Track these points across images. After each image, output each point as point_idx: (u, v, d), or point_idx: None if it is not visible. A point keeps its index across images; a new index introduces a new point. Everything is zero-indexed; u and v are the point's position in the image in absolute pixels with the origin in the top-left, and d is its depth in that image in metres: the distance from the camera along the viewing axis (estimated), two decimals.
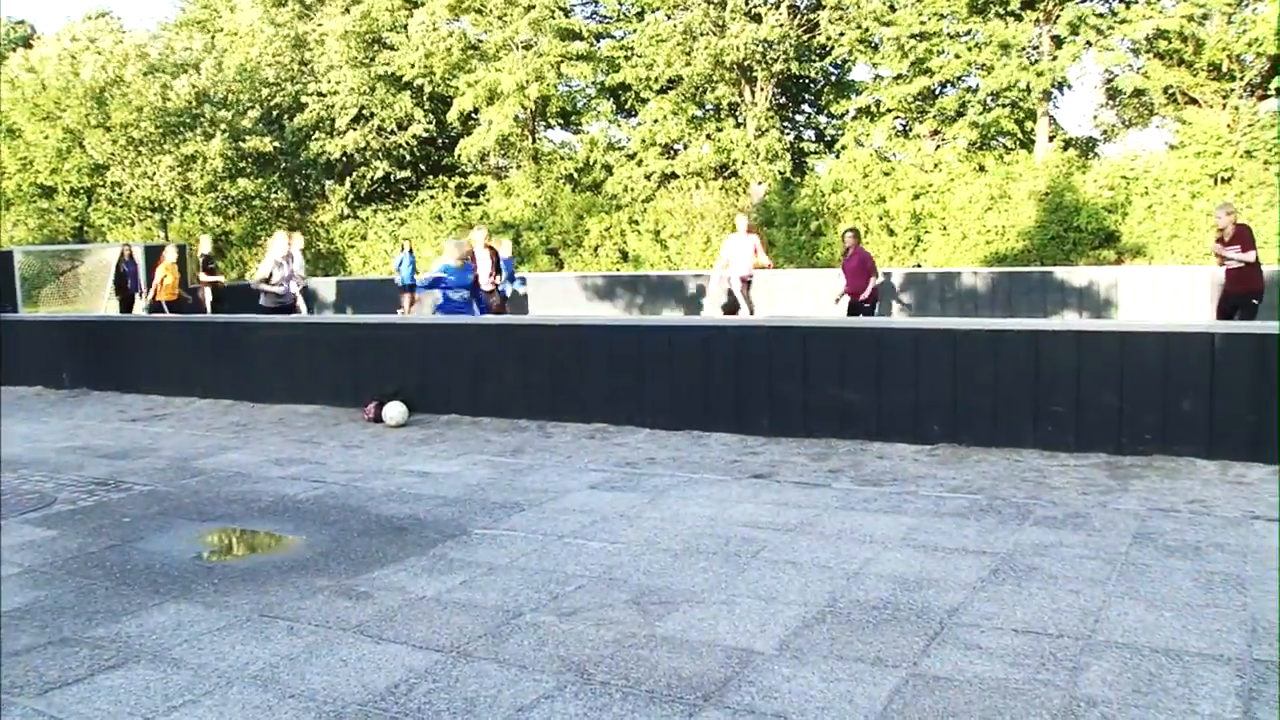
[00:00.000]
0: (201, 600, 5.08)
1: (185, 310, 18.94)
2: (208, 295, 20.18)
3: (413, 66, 31.20)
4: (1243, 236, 12.14)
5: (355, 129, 32.37)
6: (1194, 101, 25.67)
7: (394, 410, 10.24)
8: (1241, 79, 24.95)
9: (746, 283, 16.96)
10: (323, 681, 4.08)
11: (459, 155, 32.51)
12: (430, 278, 11.88)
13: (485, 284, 15.67)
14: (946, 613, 4.65)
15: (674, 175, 31.09)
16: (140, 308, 20.62)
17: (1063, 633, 4.38)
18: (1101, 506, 6.45)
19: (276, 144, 31.93)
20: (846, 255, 14.93)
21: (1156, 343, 7.80)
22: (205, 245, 21.28)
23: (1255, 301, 12.20)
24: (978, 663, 4.10)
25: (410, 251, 22.74)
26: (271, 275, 13.88)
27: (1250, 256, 12.09)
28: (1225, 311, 12.37)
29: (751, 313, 16.61)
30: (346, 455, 8.82)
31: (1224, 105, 24.99)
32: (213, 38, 35.05)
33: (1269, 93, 25.10)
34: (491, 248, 16.32)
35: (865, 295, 14.59)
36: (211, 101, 30.89)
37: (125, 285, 21.75)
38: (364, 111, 32.36)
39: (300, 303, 15.71)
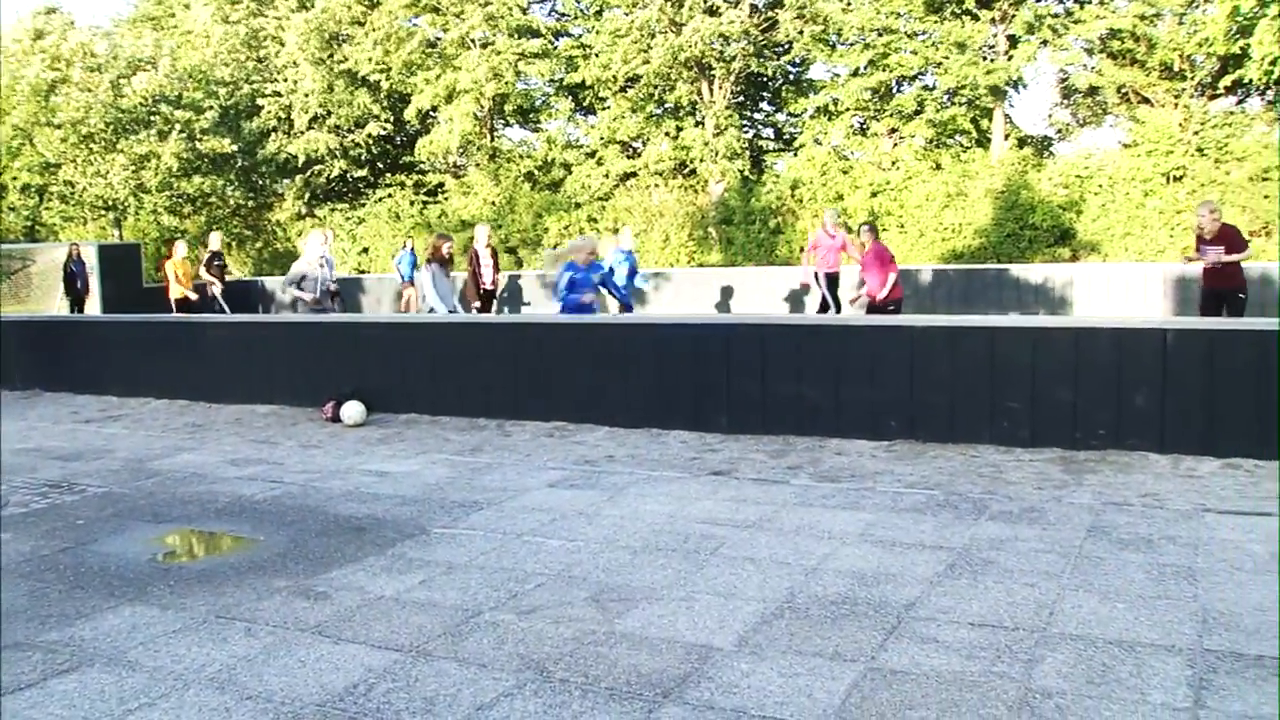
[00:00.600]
0: (157, 602, 5.04)
1: (192, 310, 18.55)
2: (217, 292, 19.78)
3: (370, 63, 31.03)
4: (1228, 236, 12.21)
5: (314, 128, 32.15)
6: (1146, 101, 26.00)
7: (352, 409, 10.18)
8: (1192, 79, 25.29)
9: (832, 278, 16.69)
10: (280, 682, 4.05)
11: (417, 153, 32.38)
12: (563, 283, 11.29)
13: (488, 284, 15.55)
14: (904, 607, 4.68)
15: (633, 173, 31.11)
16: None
17: (1018, 625, 4.43)
18: (1056, 501, 6.53)
19: (234, 145, 31.66)
20: (864, 252, 14.20)
21: (1110, 339, 7.90)
22: (214, 242, 20.79)
23: (1241, 296, 12.29)
24: (934, 656, 4.14)
25: (411, 249, 22.35)
26: (305, 278, 12.66)
27: (1234, 256, 12.14)
28: (1210, 308, 12.43)
29: (838, 310, 16.30)
30: (304, 455, 8.77)
31: (1176, 104, 25.32)
32: (168, 35, 34.68)
33: (1219, 92, 25.46)
34: (493, 247, 16.09)
35: (884, 295, 13.74)
36: (168, 101, 30.56)
37: (75, 285, 21.43)
38: (322, 110, 32.15)
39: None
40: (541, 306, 22.76)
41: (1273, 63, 22.49)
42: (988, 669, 4.00)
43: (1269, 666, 3.95)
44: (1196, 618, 4.46)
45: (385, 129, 33.27)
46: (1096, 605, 4.64)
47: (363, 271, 30.18)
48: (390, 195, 32.53)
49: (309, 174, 33.04)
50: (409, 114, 31.81)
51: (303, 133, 32.09)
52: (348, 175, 33.76)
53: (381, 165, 34.51)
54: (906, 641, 4.29)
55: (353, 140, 32.62)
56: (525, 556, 5.63)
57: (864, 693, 3.83)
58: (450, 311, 12.81)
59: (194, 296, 19.29)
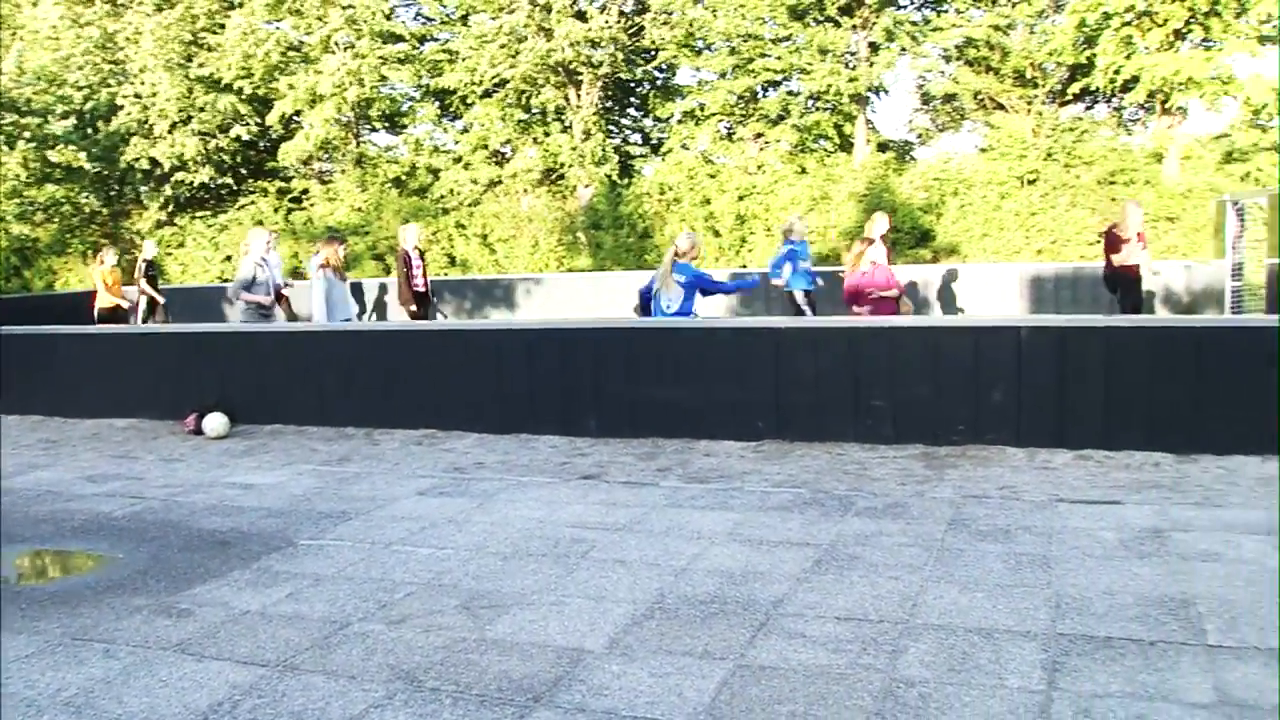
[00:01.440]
0: (8, 626, 4.85)
1: (120, 320, 17.61)
2: (142, 304, 18.70)
3: (230, 69, 30.28)
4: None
5: (174, 133, 31.21)
6: (1001, 107, 26.82)
7: (215, 421, 9.94)
8: (1044, 86, 26.19)
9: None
10: (141, 704, 3.94)
11: (281, 159, 31.70)
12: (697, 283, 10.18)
13: (420, 285, 15.15)
14: (772, 604, 4.76)
15: (501, 179, 30.95)
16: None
17: (883, 618, 4.54)
18: (919, 496, 6.70)
19: (87, 150, 30.51)
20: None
21: (967, 337, 8.15)
22: (149, 250, 19.78)
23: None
24: (802, 651, 4.21)
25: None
26: (255, 279, 11.94)
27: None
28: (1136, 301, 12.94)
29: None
30: (166, 469, 8.54)
31: (1029, 110, 26.17)
32: (13, 34, 33.25)
33: (1068, 99, 26.41)
34: (421, 248, 15.55)
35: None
36: (14, 108, 29.31)
37: None
38: (182, 115, 31.23)
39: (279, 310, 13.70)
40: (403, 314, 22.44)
41: (1116, 71, 23.41)
42: (854, 661, 4.09)
43: (1117, 647, 4.12)
44: (1050, 604, 4.63)
45: (249, 134, 32.48)
46: (957, 595, 4.78)
47: (226, 280, 29.43)
48: (254, 202, 31.76)
49: (171, 181, 32.08)
50: (272, 119, 31.08)
51: (162, 138, 31.14)
52: (211, 182, 32.87)
53: (245, 171, 33.67)
54: (775, 638, 4.37)
55: (215, 145, 31.75)
56: (394, 566, 5.58)
57: (734, 689, 3.88)
58: (344, 321, 12.31)
59: (125, 305, 18.25)
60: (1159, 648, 4.12)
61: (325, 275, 12.74)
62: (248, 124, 31.87)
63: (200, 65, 31.00)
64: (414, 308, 15.07)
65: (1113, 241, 12.80)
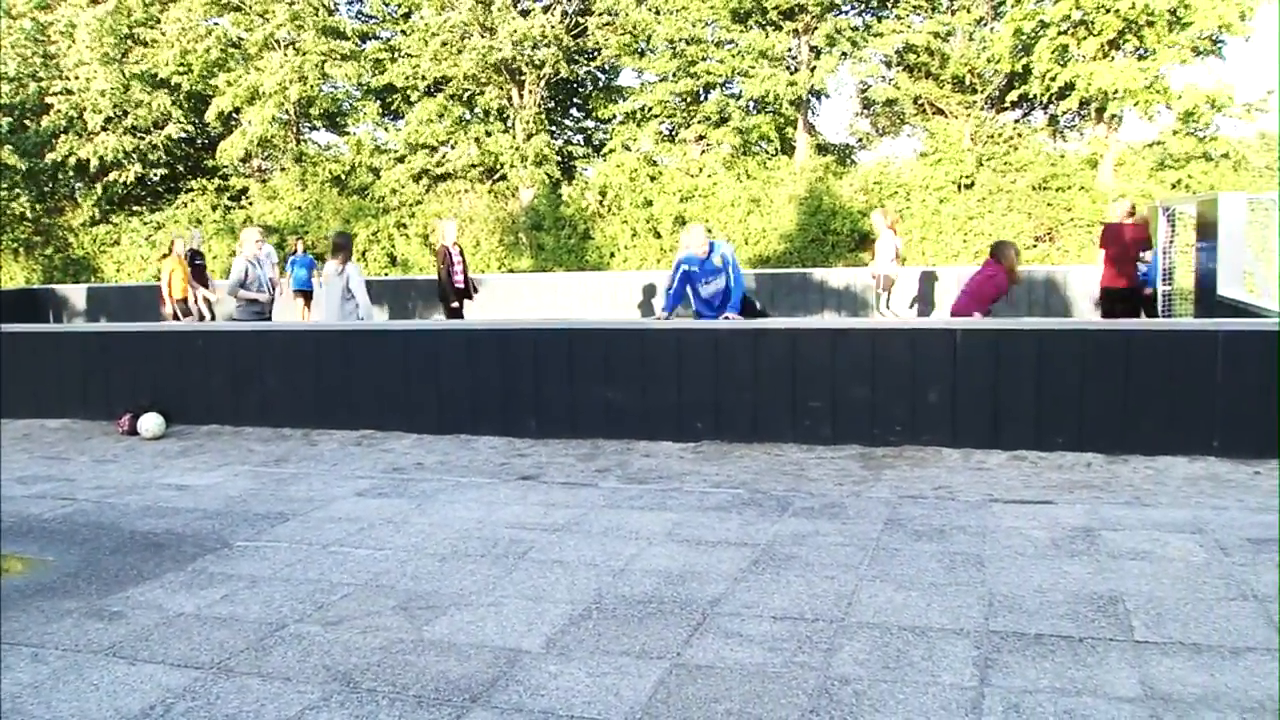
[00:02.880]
0: None
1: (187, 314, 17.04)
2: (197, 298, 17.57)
3: (168, 65, 29.82)
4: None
5: (108, 130, 30.66)
6: (940, 112, 27.14)
7: (150, 422, 9.80)
8: (982, 92, 26.54)
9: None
10: (71, 708, 3.89)
11: (219, 157, 31.28)
12: (676, 280, 9.99)
13: (460, 281, 14.90)
14: (709, 604, 4.79)
15: (443, 178, 30.79)
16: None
17: (818, 617, 4.58)
18: (855, 496, 6.77)
19: (20, 155, 29.88)
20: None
21: (904, 339, 8.24)
22: (195, 239, 18.83)
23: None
24: (738, 650, 4.24)
25: (306, 253, 20.84)
26: (246, 277, 11.77)
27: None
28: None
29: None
30: (98, 470, 8.40)
31: (967, 116, 26.51)
32: None
33: (1006, 106, 26.78)
34: (460, 245, 15.18)
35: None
36: None
37: None
38: (117, 111, 30.69)
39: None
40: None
41: (1052, 79, 23.78)
42: (790, 659, 4.13)
43: (1047, 644, 4.19)
44: (984, 601, 4.70)
45: (186, 131, 32.00)
46: (892, 594, 4.84)
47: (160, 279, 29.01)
48: (192, 200, 31.33)
49: (105, 179, 31.52)
50: (210, 116, 30.66)
51: (95, 134, 30.59)
52: (146, 179, 32.33)
53: (183, 169, 33.17)
54: (711, 637, 4.39)
55: (150, 143, 31.23)
56: (332, 567, 5.54)
57: (670, 689, 3.90)
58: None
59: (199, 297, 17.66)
60: (1088, 644, 4.19)
61: (357, 268, 12.37)
62: (183, 122, 31.39)
63: (137, 61, 30.49)
64: (455, 304, 14.85)
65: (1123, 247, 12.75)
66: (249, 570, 5.53)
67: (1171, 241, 14.81)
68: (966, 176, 24.59)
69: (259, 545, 6.02)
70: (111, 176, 31.31)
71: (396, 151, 31.59)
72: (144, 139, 31.13)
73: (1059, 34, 23.33)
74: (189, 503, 7.13)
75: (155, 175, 32.36)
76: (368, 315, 11.53)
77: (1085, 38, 23.12)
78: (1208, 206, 12.82)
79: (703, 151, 29.04)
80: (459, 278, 14.90)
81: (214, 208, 30.89)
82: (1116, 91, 22.96)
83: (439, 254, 15.03)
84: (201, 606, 4.96)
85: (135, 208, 32.12)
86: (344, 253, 11.54)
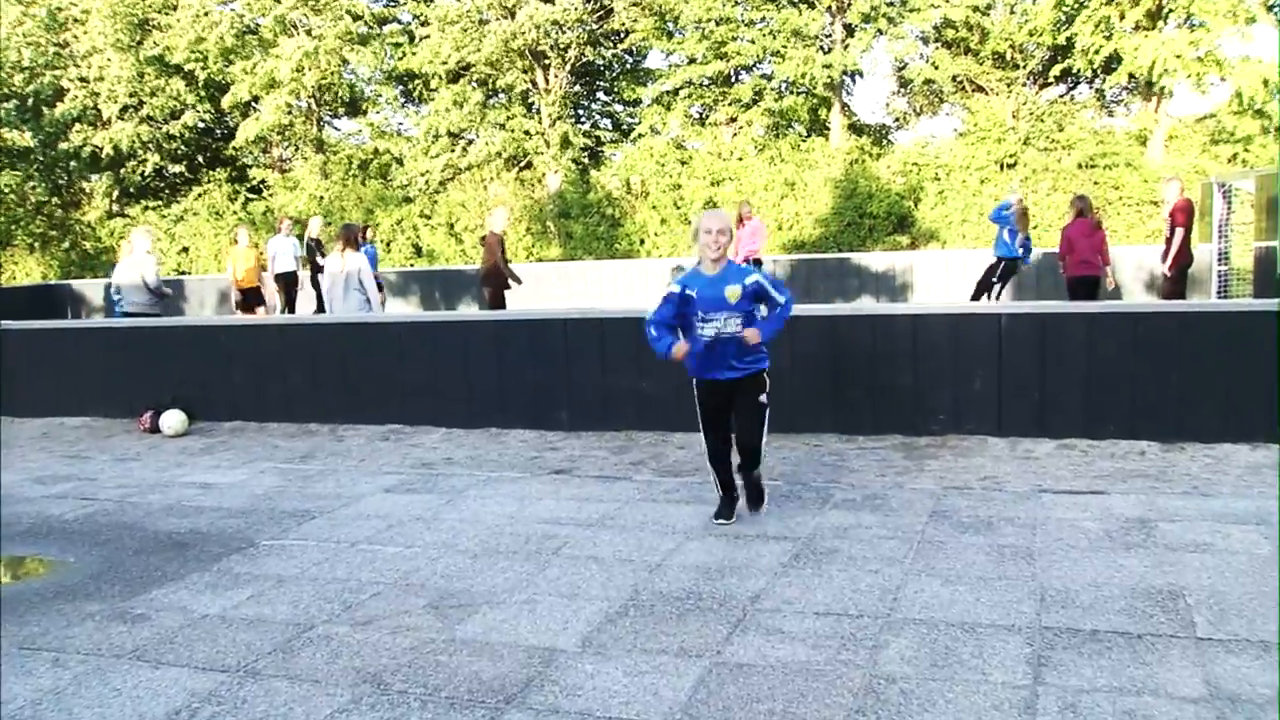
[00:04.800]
0: None
1: (257, 302, 17.30)
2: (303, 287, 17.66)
3: (184, 50, 29.92)
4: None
5: (124, 119, 30.82)
6: (980, 89, 26.93)
7: (172, 419, 9.86)
8: (1024, 68, 26.31)
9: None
10: (93, 714, 3.89)
11: (237, 146, 31.42)
12: (661, 307, 6.00)
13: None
14: (749, 600, 4.75)
15: (467, 166, 30.83)
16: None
17: (862, 613, 4.54)
18: (898, 487, 6.72)
19: (33, 136, 30.08)
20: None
21: (946, 325, 8.17)
22: (314, 227, 18.56)
23: (1165, 275, 12.81)
24: (780, 647, 4.21)
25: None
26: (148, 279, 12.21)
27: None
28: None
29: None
30: (120, 469, 8.45)
31: (1009, 94, 26.30)
32: None
33: (1049, 81, 26.54)
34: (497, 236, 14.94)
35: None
36: None
37: None
38: (133, 100, 30.83)
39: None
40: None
41: (1096, 52, 23.54)
42: (833, 657, 4.09)
43: (1104, 641, 4.13)
44: (1035, 596, 4.65)
45: (204, 120, 32.15)
46: (939, 589, 4.79)
47: (184, 273, 29.21)
48: (209, 191, 31.48)
49: (120, 169, 31.70)
50: (227, 104, 30.78)
51: (111, 123, 30.76)
52: (163, 170, 32.49)
53: (201, 160, 33.33)
54: (752, 634, 4.36)
55: (167, 132, 31.36)
56: (360, 566, 5.54)
57: (710, 688, 3.87)
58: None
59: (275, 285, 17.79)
60: (1147, 641, 4.13)
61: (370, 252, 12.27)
62: (200, 111, 31.48)
63: (152, 46, 30.55)
64: (508, 290, 14.67)
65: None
66: (275, 570, 5.54)
67: (1227, 219, 14.61)
68: (1009, 156, 24.40)
69: (285, 544, 6.03)
70: (129, 167, 31.47)
71: (419, 139, 31.64)
72: (161, 129, 31.27)
73: (1102, 3, 23.08)
74: (213, 501, 7.16)
75: (173, 167, 32.46)
76: (376, 307, 11.56)
77: (1128, 8, 22.86)
78: (1268, 181, 12.64)
79: (734, 135, 28.95)
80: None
81: (233, 199, 31.00)
82: (1165, 64, 22.67)
83: (489, 242, 14.83)
84: (227, 608, 4.97)
85: (152, 201, 32.28)
86: (348, 243, 11.57)
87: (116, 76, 30.07)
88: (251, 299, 17.54)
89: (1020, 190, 16.82)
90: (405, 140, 32.31)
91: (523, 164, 30.86)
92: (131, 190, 32.34)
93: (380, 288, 13.39)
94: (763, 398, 5.87)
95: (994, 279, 14.07)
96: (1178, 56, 22.52)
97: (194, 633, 4.66)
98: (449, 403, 9.55)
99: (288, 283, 18.32)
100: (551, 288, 21.25)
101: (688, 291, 5.72)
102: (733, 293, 5.65)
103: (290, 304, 18.29)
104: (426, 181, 30.42)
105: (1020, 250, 13.76)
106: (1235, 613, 4.39)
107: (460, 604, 4.88)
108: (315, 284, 17.29)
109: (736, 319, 5.66)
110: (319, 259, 17.23)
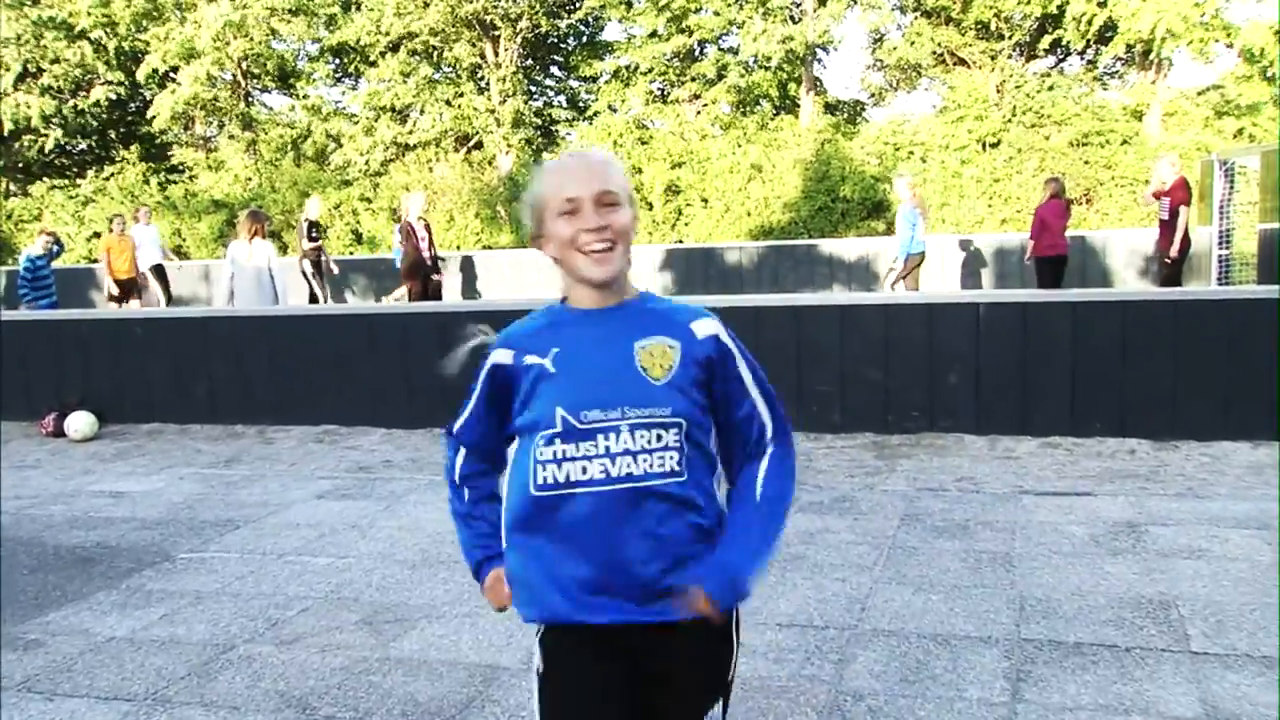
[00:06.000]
0: None
1: (127, 298, 17.33)
2: (308, 269, 16.89)
3: (90, 15, 29.32)
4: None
5: (21, 89, 30.18)
6: (962, 62, 27.06)
7: (79, 421, 9.74)
8: (1010, 39, 26.42)
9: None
10: None
11: (154, 122, 31.01)
12: (466, 432, 2.69)
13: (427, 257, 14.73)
14: None
15: (410, 146, 30.69)
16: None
17: (829, 624, 4.54)
18: (869, 489, 6.74)
19: None
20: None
21: (920, 315, 8.20)
22: (311, 209, 17.87)
23: (1165, 260, 12.98)
24: (741, 662, 4.18)
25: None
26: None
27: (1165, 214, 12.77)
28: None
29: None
30: (18, 478, 8.33)
31: (993, 66, 26.43)
32: None
33: (1037, 53, 26.68)
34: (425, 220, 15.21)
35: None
36: None
37: None
38: (29, 67, 30.15)
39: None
40: (304, 298, 22.19)
41: (1089, 21, 23.67)
42: (797, 672, 4.09)
43: (1088, 654, 4.15)
44: (1013, 605, 4.66)
45: (116, 93, 31.66)
46: (910, 598, 4.80)
47: (93, 261, 28.80)
48: (123, 171, 31.05)
49: (20, 144, 31.11)
50: (142, 76, 30.33)
51: (6, 94, 30.13)
52: (67, 147, 31.93)
53: (114, 136, 32.87)
54: None
55: (74, 106, 30.79)
56: (288, 579, 5.50)
57: None
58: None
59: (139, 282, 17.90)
60: (1136, 655, 4.16)
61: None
62: (113, 83, 30.94)
63: (49, 6, 29.85)
64: (431, 279, 14.75)
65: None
66: (193, 586, 5.48)
67: (1229, 199, 14.65)
68: (992, 134, 24.52)
69: (205, 557, 5.97)
70: (24, 141, 30.83)
71: (358, 116, 31.44)
72: (67, 102, 30.66)
73: None
74: (125, 511, 7.08)
75: (80, 144, 31.87)
76: (283, 300, 11.62)
77: None
78: (1274, 158, 12.68)
79: (698, 113, 28.98)
80: (425, 255, 14.80)
81: (149, 180, 30.54)
82: (1165, 32, 22.73)
83: (402, 229, 14.90)
84: (136, 629, 4.91)
85: (58, 180, 31.73)
86: (256, 230, 11.63)
87: (4, 39, 29.34)
88: (127, 291, 17.67)
89: (907, 174, 17.27)
90: (344, 118, 32.09)
91: (472, 144, 30.74)
92: (32, 168, 31.72)
93: (314, 276, 13.43)
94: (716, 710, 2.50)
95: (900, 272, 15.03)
96: (1183, 19, 22.57)
97: (96, 659, 4.59)
98: (388, 401, 9.49)
99: (157, 275, 18.72)
100: (502, 277, 21.20)
101: (527, 360, 2.46)
102: (654, 357, 2.38)
103: (168, 298, 18.76)
104: (367, 162, 30.24)
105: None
106: (1233, 625, 4.41)
107: (396, 619, 4.85)
108: (317, 272, 17.05)
109: (660, 435, 2.32)
110: (310, 243, 17.00)
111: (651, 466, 2.26)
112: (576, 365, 2.35)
